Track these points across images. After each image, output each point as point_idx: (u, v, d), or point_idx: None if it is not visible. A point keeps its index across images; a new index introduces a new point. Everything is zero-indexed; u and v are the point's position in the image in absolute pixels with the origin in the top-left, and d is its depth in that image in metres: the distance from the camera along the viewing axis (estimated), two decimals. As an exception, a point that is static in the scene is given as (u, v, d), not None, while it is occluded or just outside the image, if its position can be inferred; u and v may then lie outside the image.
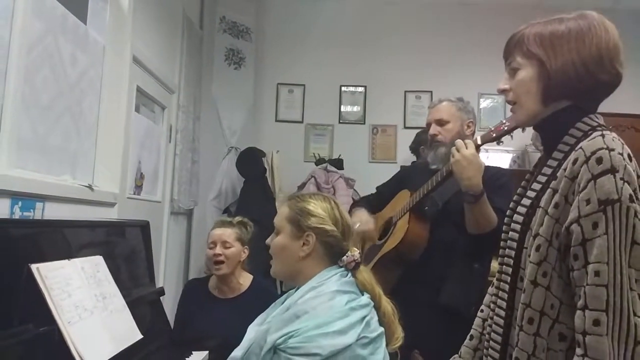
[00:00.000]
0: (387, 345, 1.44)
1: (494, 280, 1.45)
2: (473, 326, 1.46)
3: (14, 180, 1.72)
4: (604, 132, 1.13)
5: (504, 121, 1.84)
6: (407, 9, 4.81)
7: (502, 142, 1.88)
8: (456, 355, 1.47)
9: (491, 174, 2.11)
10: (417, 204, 2.12)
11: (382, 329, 1.44)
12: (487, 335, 1.30)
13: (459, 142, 1.92)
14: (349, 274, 1.49)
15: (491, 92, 4.55)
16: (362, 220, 2.26)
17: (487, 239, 1.97)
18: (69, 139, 2.17)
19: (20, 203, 1.74)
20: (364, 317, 1.38)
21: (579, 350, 1.04)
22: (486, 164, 2.23)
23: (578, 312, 1.06)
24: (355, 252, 1.52)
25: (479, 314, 1.47)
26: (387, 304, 1.51)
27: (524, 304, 1.16)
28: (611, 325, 1.02)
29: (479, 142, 1.91)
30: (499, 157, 4.20)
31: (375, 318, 1.45)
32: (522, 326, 1.15)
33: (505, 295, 1.24)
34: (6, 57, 1.76)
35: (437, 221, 2.14)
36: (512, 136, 1.85)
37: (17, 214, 1.73)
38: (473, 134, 2.23)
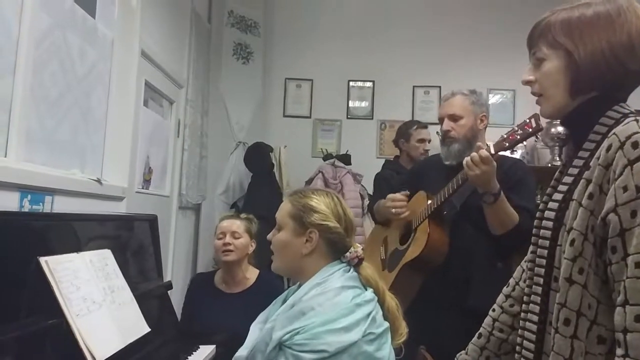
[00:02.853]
0: (391, 340, 1.44)
1: (510, 279, 1.44)
2: (483, 325, 1.44)
3: (23, 174, 1.72)
4: (638, 117, 1.06)
5: (516, 128, 1.81)
6: (415, 4, 4.79)
7: (515, 150, 1.86)
8: (462, 352, 1.46)
9: (506, 168, 2.07)
10: (436, 209, 2.09)
11: (387, 324, 1.43)
12: (518, 346, 1.22)
13: (475, 157, 1.86)
14: (352, 269, 1.49)
15: (500, 88, 4.52)
16: (391, 198, 2.24)
17: (510, 238, 1.96)
18: (77, 133, 2.18)
19: (29, 196, 1.75)
20: (369, 313, 1.38)
21: (619, 351, 0.96)
22: (501, 154, 2.21)
23: (618, 308, 0.97)
24: (358, 248, 1.51)
25: (490, 313, 1.43)
26: (391, 300, 1.51)
27: (559, 304, 1.07)
28: None
29: (492, 151, 1.87)
30: (507, 153, 4.18)
31: (380, 313, 1.44)
32: (558, 328, 1.07)
33: (538, 299, 1.16)
34: (15, 51, 1.76)
35: (456, 223, 2.11)
36: (525, 144, 1.83)
37: (27, 207, 1.74)
38: (486, 127, 2.20)
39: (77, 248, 1.63)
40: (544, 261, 1.15)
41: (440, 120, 2.23)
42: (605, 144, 1.06)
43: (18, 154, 1.78)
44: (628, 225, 0.98)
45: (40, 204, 1.82)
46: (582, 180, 1.09)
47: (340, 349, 1.29)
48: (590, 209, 1.05)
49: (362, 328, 1.34)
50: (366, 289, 1.46)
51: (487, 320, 1.44)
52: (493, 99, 4.62)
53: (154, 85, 3.01)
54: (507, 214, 1.95)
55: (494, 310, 1.43)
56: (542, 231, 1.18)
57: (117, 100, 2.50)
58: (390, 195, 2.27)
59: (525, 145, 4.20)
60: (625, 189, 0.99)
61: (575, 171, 1.15)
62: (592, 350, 1.04)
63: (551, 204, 1.18)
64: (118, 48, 2.50)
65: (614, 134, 1.04)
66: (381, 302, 1.47)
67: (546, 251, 1.15)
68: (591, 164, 1.09)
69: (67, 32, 2.04)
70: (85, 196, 2.15)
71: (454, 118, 2.17)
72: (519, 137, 1.80)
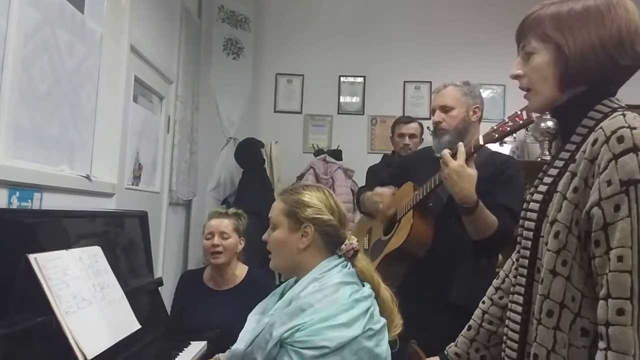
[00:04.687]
0: (387, 333, 1.44)
1: (500, 271, 1.45)
2: (473, 317, 1.45)
3: (11, 171, 1.71)
4: (625, 112, 1.06)
5: (507, 120, 1.78)
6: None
7: (505, 142, 1.82)
8: (452, 344, 1.47)
9: (497, 164, 2.05)
10: (421, 201, 2.07)
11: (384, 320, 1.44)
12: (504, 336, 1.24)
13: (445, 155, 1.84)
14: (349, 265, 1.50)
15: (491, 82, 4.54)
16: (377, 194, 2.23)
17: (488, 243, 1.93)
18: (66, 129, 2.16)
19: (18, 193, 1.73)
20: (368, 309, 1.39)
21: (601, 344, 0.98)
22: (493, 150, 2.17)
23: (600, 302, 0.99)
24: (353, 240, 1.52)
25: (480, 305, 1.45)
26: (386, 291, 1.51)
27: (542, 295, 1.09)
28: (636, 314, 0.94)
29: (481, 142, 1.84)
30: (496, 148, 4.19)
31: (378, 309, 1.45)
32: (541, 319, 1.09)
33: (522, 289, 1.17)
34: (3, 47, 1.75)
35: (442, 216, 2.09)
36: (515, 136, 1.81)
37: (15, 204, 1.72)
38: (480, 120, 2.16)
39: (67, 245, 1.62)
40: (527, 252, 1.17)
41: (433, 112, 2.20)
42: (591, 137, 1.06)
43: (6, 150, 1.77)
44: (611, 220, 0.99)
45: (29, 200, 1.80)
46: (567, 173, 1.10)
47: (341, 344, 1.30)
48: (575, 202, 1.06)
49: (361, 323, 1.34)
50: (364, 285, 1.47)
51: (477, 312, 1.45)
52: (483, 94, 4.58)
53: (144, 81, 2.99)
54: (484, 223, 1.89)
55: (483, 302, 1.45)
56: (526, 222, 1.19)
57: (107, 96, 2.48)
58: (378, 189, 2.26)
59: (515, 138, 4.23)
60: (609, 183, 1.00)
61: (560, 163, 1.15)
62: (575, 343, 1.05)
63: (536, 196, 1.19)
64: (107, 43, 2.48)
65: (600, 127, 1.05)
66: (376, 294, 1.48)
67: (530, 242, 1.17)
68: (577, 157, 1.09)
69: (56, 27, 2.02)
70: (75, 193, 2.14)
71: (445, 109, 2.14)
72: (509, 128, 1.77)
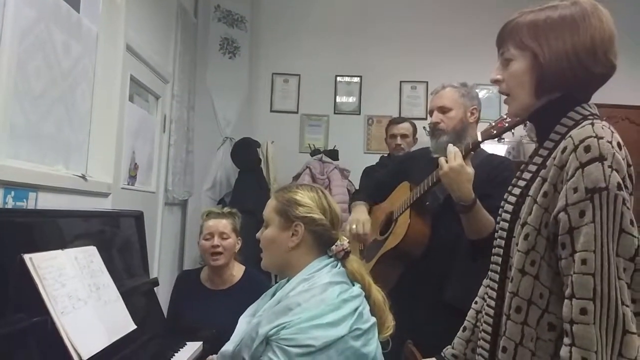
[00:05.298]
0: (378, 334, 1.44)
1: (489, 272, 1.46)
2: (467, 318, 1.46)
3: (6, 170, 1.70)
4: (594, 121, 1.12)
5: (505, 116, 1.78)
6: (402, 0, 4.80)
7: (503, 138, 1.83)
8: (449, 346, 1.48)
9: (493, 165, 2.05)
10: (418, 200, 2.07)
11: (374, 320, 1.44)
12: (480, 327, 1.30)
13: (450, 152, 1.84)
14: (339, 264, 1.50)
15: (487, 83, 4.52)
16: (360, 220, 2.20)
17: (485, 243, 1.92)
18: (62, 128, 2.15)
19: (13, 193, 1.73)
20: (356, 309, 1.39)
21: (566, 340, 1.04)
22: (490, 152, 2.19)
23: (565, 301, 1.06)
24: (344, 241, 1.52)
25: (472, 305, 1.46)
26: (377, 293, 1.51)
27: (511, 293, 1.16)
28: (598, 314, 1.01)
29: (480, 138, 1.84)
30: (493, 149, 4.20)
31: (367, 308, 1.45)
32: (510, 315, 1.16)
33: (496, 285, 1.24)
34: (-2, 46, 1.74)
35: (439, 215, 2.08)
36: (513, 132, 1.81)
37: (10, 204, 1.71)
38: (477, 121, 2.17)
39: (62, 245, 1.61)
40: (501, 251, 1.25)
41: (430, 113, 2.21)
42: (561, 145, 1.12)
43: (1, 149, 1.76)
44: (576, 224, 1.06)
45: (24, 200, 1.80)
46: (538, 178, 1.17)
47: (326, 344, 1.30)
48: (544, 206, 1.13)
49: (348, 323, 1.34)
50: (353, 284, 1.47)
51: (471, 312, 1.46)
52: (479, 94, 4.61)
53: (140, 80, 2.99)
54: (481, 222, 1.89)
55: (476, 302, 1.46)
56: (501, 223, 1.27)
57: (102, 95, 2.47)
58: (360, 217, 2.22)
59: (513, 134, 4.22)
60: (575, 190, 1.06)
61: (534, 168, 1.22)
62: (542, 336, 1.12)
63: (510, 198, 1.26)
64: (103, 42, 2.47)
65: (569, 136, 1.11)
66: (367, 296, 1.48)
67: (503, 242, 1.24)
68: (548, 163, 1.16)
69: (51, 26, 2.01)
70: (70, 192, 2.13)
71: (443, 110, 2.14)
72: (507, 124, 1.78)
